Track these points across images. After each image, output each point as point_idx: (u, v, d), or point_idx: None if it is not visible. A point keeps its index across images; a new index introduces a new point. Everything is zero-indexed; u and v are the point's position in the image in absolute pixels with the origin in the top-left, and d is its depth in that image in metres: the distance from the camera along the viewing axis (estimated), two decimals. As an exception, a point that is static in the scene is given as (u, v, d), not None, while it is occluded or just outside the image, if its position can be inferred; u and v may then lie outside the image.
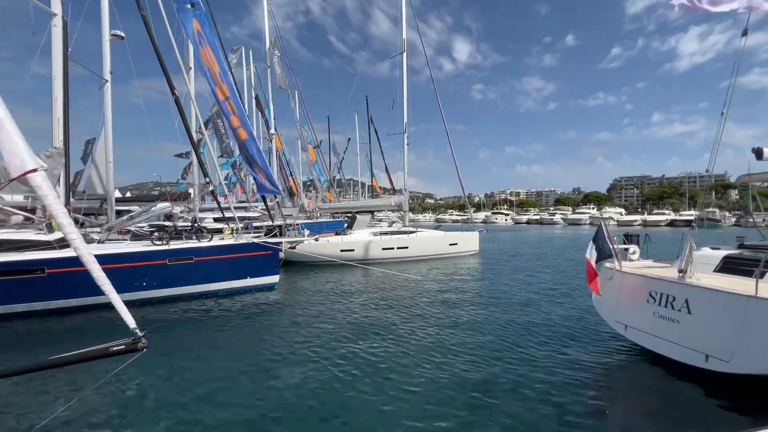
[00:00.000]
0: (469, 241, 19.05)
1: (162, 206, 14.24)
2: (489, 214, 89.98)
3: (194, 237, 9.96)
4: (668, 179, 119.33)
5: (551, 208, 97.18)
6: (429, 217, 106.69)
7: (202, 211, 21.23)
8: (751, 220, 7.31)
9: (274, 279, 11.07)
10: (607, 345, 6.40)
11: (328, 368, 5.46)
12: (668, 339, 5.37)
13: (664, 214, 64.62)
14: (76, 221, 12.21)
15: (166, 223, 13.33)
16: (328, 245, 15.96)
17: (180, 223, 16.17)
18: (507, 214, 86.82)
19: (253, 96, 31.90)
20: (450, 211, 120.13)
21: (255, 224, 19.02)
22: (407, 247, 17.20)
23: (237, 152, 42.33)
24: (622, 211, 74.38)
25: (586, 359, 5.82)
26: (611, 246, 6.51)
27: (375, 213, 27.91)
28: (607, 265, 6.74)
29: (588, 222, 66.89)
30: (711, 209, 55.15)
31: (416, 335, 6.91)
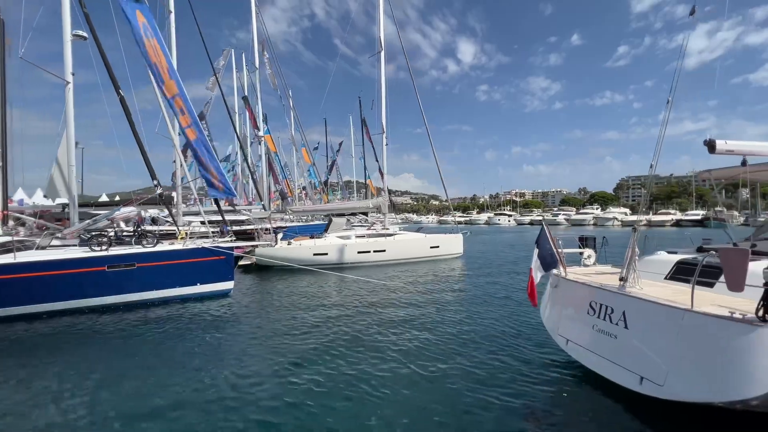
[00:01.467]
0: (451, 244, 18.40)
1: (126, 210, 13.91)
2: (492, 215, 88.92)
3: (142, 242, 9.54)
4: (676, 178, 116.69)
5: (555, 209, 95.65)
6: (433, 218, 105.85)
7: (186, 214, 20.95)
8: (716, 217, 6.61)
9: (228, 285, 10.60)
10: (550, 362, 5.75)
11: (267, 383, 4.98)
12: (605, 356, 4.74)
13: (669, 213, 62.84)
14: (32, 226, 11.87)
15: (126, 228, 12.96)
16: (301, 249, 15.48)
17: (164, 227, 15.86)
18: (510, 215, 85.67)
19: (242, 98, 31.83)
20: (454, 212, 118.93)
21: (243, 227, 18.64)
22: (384, 251, 16.63)
23: (228, 154, 41.82)
24: (627, 211, 72.71)
25: (521, 379, 5.20)
26: (555, 251, 5.89)
27: (360, 215, 27.45)
28: (554, 272, 6.12)
29: (592, 223, 65.50)
30: (718, 208, 53.47)
31: (354, 345, 6.37)
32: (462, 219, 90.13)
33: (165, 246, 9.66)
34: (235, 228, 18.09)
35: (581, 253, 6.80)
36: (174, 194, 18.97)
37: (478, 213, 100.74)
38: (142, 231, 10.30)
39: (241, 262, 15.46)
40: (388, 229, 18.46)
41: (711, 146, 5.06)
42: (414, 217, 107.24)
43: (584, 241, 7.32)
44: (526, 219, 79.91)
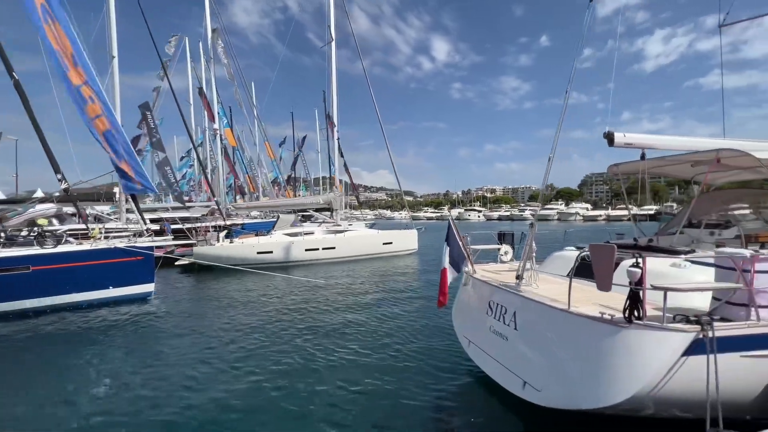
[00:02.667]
0: (405, 240, 18.16)
1: (43, 207, 12.67)
2: (462, 211, 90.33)
3: (35, 242, 8.58)
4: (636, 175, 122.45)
5: (522, 204, 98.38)
6: (405, 214, 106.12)
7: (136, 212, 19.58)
8: (667, 212, 6.60)
9: (148, 288, 9.80)
10: (453, 365, 5.49)
11: (165, 404, 4.39)
12: (498, 359, 4.51)
13: (622, 207, 65.91)
14: None
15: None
16: (243, 248, 14.73)
17: (114, 225, 14.56)
18: (480, 211, 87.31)
19: (198, 89, 30.23)
20: (425, 208, 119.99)
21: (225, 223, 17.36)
22: (334, 248, 16.15)
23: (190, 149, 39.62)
24: (588, 206, 75.72)
25: (423, 383, 4.89)
26: (462, 248, 5.63)
27: (323, 212, 26.81)
28: (466, 269, 5.87)
29: (556, 218, 67.66)
30: (669, 204, 56.58)
31: (276, 352, 5.87)
32: (433, 215, 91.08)
33: (68, 247, 8.74)
34: (188, 226, 17.08)
35: (498, 250, 6.62)
36: (116, 190, 17.63)
37: (449, 209, 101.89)
38: (42, 231, 9.29)
39: (178, 263, 14.53)
40: (339, 225, 17.97)
41: (610, 139, 4.92)
42: (387, 213, 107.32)
43: (502, 237, 7.16)
44: (495, 214, 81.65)
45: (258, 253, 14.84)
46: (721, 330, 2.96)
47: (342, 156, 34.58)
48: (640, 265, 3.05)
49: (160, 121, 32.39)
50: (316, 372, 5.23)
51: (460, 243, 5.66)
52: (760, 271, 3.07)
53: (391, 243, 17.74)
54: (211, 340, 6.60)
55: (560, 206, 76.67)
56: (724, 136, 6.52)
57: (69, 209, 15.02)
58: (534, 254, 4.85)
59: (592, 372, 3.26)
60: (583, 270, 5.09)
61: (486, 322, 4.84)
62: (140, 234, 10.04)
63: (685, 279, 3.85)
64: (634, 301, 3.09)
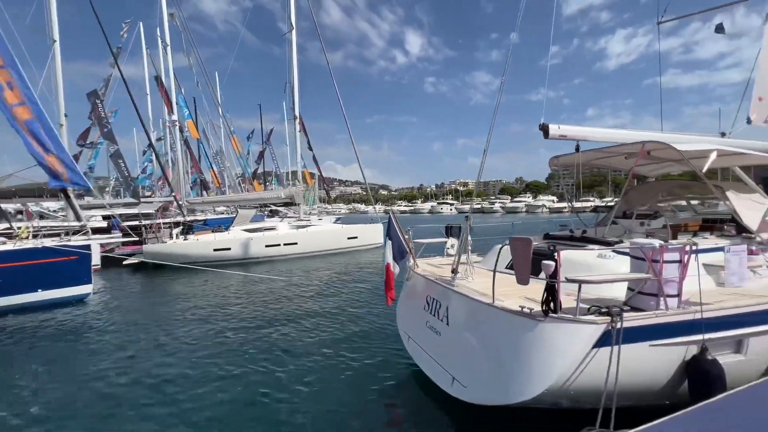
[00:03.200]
0: (370, 234, 18.00)
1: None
2: (435, 204, 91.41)
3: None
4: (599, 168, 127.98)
5: (492, 197, 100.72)
6: (379, 208, 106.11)
7: (89, 208, 18.24)
8: (569, 205, 6.74)
9: (84, 290, 9.12)
10: (395, 363, 5.39)
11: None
12: (432, 355, 4.44)
13: (588, 200, 68.94)
14: None
15: None
16: (198, 245, 14.07)
17: (52, 223, 13.36)
18: (452, 204, 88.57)
19: (154, 77, 28.51)
20: (399, 202, 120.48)
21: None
22: (296, 243, 15.76)
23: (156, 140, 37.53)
24: (555, 198, 78.41)
25: (361, 381, 4.75)
26: (404, 242, 5.51)
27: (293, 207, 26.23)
28: (410, 263, 5.76)
29: (524, 210, 69.71)
30: (609, 197, 59.38)
31: (220, 359, 5.52)
32: (407, 208, 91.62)
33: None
34: (146, 222, 16.08)
35: (446, 243, 6.56)
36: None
37: (423, 202, 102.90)
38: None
39: (127, 262, 13.68)
40: (303, 220, 17.55)
41: (544, 131, 4.91)
42: (362, 207, 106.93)
43: (449, 231, 7.12)
44: (466, 207, 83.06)
45: (215, 250, 14.23)
46: (630, 321, 2.97)
47: (311, 149, 33.90)
48: (565, 257, 3.02)
49: (115, 113, 30.42)
50: (257, 376, 4.98)
51: (402, 237, 5.54)
52: (668, 261, 3.10)
53: (356, 237, 17.53)
54: (148, 348, 6.14)
55: (528, 199, 79.03)
56: (662, 130, 6.74)
57: (12, 206, 13.81)
58: (470, 247, 4.79)
59: (511, 367, 3.22)
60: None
61: (423, 317, 4.75)
62: (76, 232, 9.29)
63: (610, 269, 3.89)
64: (551, 294, 3.05)
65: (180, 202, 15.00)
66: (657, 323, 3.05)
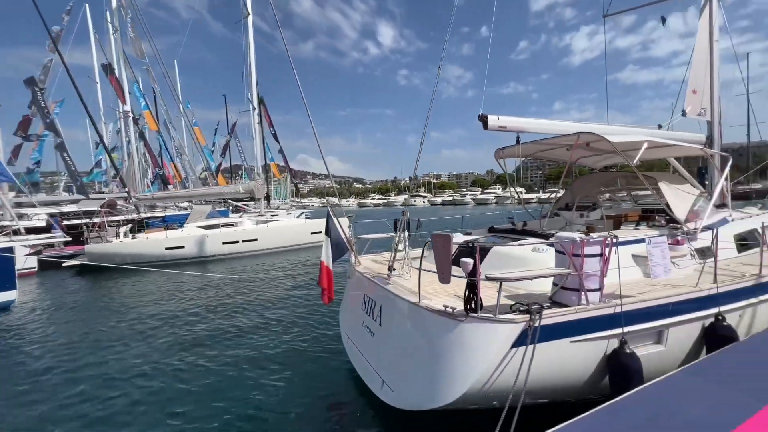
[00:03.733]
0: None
1: None
2: (408, 197, 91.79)
3: None
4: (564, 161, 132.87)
5: (464, 189, 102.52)
6: (353, 201, 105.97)
7: (28, 206, 16.73)
8: (515, 198, 6.75)
9: (7, 296, 8.31)
10: (335, 365, 5.18)
11: None
12: (365, 356, 4.27)
13: (553, 191, 71.52)
14: None
15: None
16: (148, 244, 13.25)
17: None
18: (424, 197, 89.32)
19: (102, 65, 26.50)
20: (373, 195, 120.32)
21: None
22: (256, 239, 15.20)
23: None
24: (523, 190, 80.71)
25: (296, 386, 4.51)
26: (344, 238, 5.29)
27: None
28: (352, 261, 5.55)
29: (494, 201, 71.33)
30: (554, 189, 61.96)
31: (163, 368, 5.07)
32: (380, 201, 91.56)
33: None
34: (88, 221, 14.94)
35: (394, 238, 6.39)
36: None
37: (396, 195, 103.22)
38: None
39: (66, 264, 12.67)
40: (264, 215, 16.97)
41: (484, 122, 4.80)
42: (335, 200, 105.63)
43: (396, 225, 6.97)
44: (439, 200, 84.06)
45: (167, 248, 13.46)
46: (549, 318, 2.89)
47: (277, 141, 32.85)
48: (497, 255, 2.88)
49: (60, 102, 28.10)
50: (196, 385, 4.63)
51: (342, 234, 5.32)
52: (588, 254, 3.04)
53: (320, 232, 17.09)
54: (69, 367, 5.60)
55: (498, 190, 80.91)
56: (608, 122, 6.82)
57: None
58: (407, 243, 4.63)
59: (433, 369, 3.07)
60: (460, 257, 5.02)
61: (360, 317, 4.57)
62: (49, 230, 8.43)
63: (543, 263, 3.83)
64: (472, 292, 2.92)
65: (130, 198, 14.02)
66: (576, 319, 2.99)
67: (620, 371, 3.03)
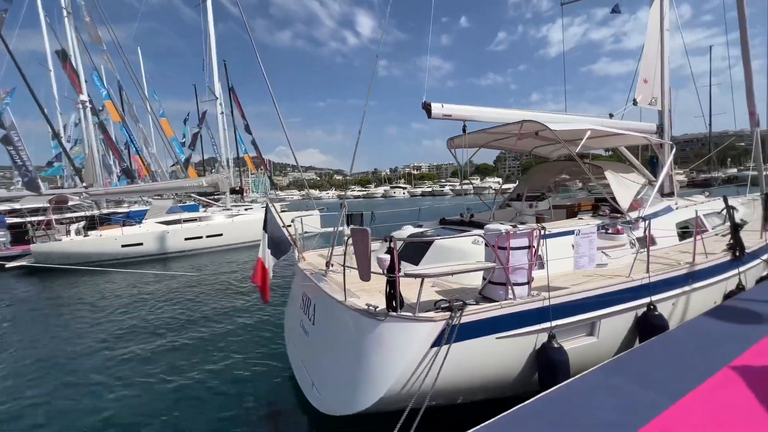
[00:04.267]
0: (305, 222, 17.22)
1: None
2: (388, 188, 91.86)
3: None
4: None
5: (443, 180, 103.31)
6: (333, 193, 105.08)
7: None
8: (470, 188, 6.63)
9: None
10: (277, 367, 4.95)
11: None
12: (300, 357, 4.07)
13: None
14: None
15: None
16: (102, 242, 12.54)
17: None
18: (404, 188, 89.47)
19: (56, 52, 24.78)
20: (352, 186, 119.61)
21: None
22: (221, 235, 14.68)
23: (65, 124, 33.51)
24: (500, 180, 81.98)
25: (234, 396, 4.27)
26: (286, 233, 5.04)
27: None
28: (296, 257, 5.32)
29: (472, 192, 72.13)
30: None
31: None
32: (360, 193, 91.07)
33: None
34: (32, 219, 13.96)
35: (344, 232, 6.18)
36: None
37: (376, 187, 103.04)
38: None
39: (10, 265, 11.85)
40: (230, 209, 16.40)
41: (427, 110, 4.61)
42: (315, 192, 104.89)
43: (350, 218, 6.78)
44: (418, 191, 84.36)
45: (123, 246, 12.78)
46: (473, 314, 2.76)
47: (249, 132, 31.82)
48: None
49: (11, 92, 26.19)
50: (136, 389, 4.31)
51: (285, 229, 5.06)
52: (515, 247, 2.92)
53: (290, 226, 16.66)
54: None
55: (476, 181, 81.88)
56: (566, 112, 6.78)
57: None
58: (346, 237, 4.42)
59: (356, 372, 2.90)
60: (405, 251, 4.86)
61: (299, 316, 4.35)
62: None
63: (482, 256, 3.72)
64: (392, 289, 2.75)
65: (80, 194, 13.19)
66: (502, 315, 2.87)
67: (547, 366, 2.95)
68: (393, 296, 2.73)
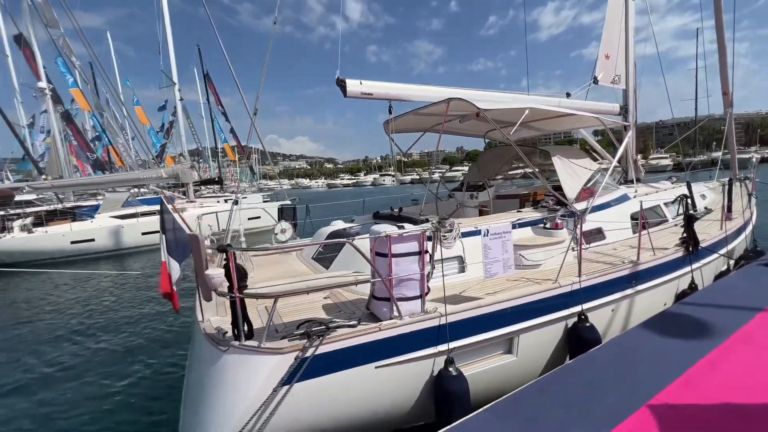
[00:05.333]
0: (276, 213, 16.55)
1: None
2: (377, 176, 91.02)
3: None
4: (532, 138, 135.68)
5: (432, 168, 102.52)
6: (323, 182, 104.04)
7: None
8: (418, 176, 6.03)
9: None
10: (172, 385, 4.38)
11: None
12: (186, 381, 3.49)
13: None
14: None
15: None
16: (48, 239, 11.75)
17: None
18: (393, 176, 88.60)
19: (14, 36, 23.28)
20: (342, 175, 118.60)
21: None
22: (183, 229, 13.90)
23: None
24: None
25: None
26: (185, 233, 4.40)
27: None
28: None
29: (461, 178, 71.64)
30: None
31: None
32: (349, 181, 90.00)
33: None
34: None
35: (274, 228, 5.58)
36: None
37: (365, 175, 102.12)
38: None
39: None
40: (195, 201, 15.61)
41: (342, 88, 3.95)
42: (305, 181, 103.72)
43: (282, 212, 6.17)
44: (408, 178, 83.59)
45: (73, 243, 12.01)
46: (338, 341, 2.19)
47: (227, 120, 30.62)
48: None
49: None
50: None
51: (187, 228, 4.42)
52: (399, 254, 2.34)
53: (258, 218, 16.00)
54: None
55: (465, 168, 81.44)
56: (529, 92, 6.15)
57: None
58: (242, 235, 3.83)
59: (198, 409, 2.32)
60: (324, 251, 4.28)
61: (195, 330, 3.77)
62: None
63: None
64: (234, 313, 2.17)
65: (22, 189, 12.29)
66: (383, 338, 2.31)
67: (443, 396, 2.41)
68: (235, 321, 2.15)
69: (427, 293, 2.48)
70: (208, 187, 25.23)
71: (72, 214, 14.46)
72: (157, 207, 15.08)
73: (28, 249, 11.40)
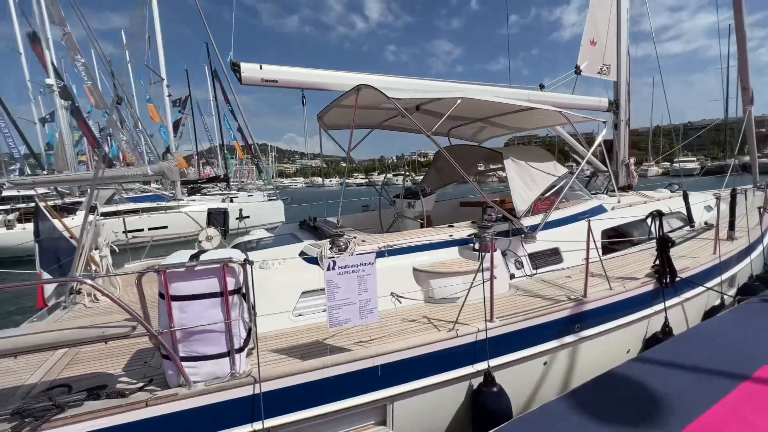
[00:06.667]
0: (267, 213, 16.12)
1: None
2: (390, 176, 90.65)
3: None
4: (551, 138, 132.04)
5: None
6: (335, 181, 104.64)
7: None
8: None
9: None
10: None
11: None
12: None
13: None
14: None
15: None
16: (24, 236, 11.60)
17: None
18: (406, 175, 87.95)
19: (28, 34, 23.81)
20: (355, 174, 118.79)
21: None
22: (166, 227, 13.66)
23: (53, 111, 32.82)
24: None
25: None
26: (71, 240, 3.86)
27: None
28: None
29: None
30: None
31: None
32: (362, 181, 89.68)
33: None
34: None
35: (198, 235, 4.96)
36: None
37: (379, 174, 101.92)
38: None
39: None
40: (182, 199, 15.33)
41: (236, 72, 3.27)
42: (318, 180, 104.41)
43: (210, 217, 5.56)
44: (419, 178, 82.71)
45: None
46: (72, 423, 1.50)
47: (235, 118, 30.55)
48: None
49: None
50: None
51: (68, 234, 3.88)
52: (181, 296, 1.64)
53: (247, 217, 15.55)
54: None
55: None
56: (509, 82, 5.33)
57: None
58: (106, 241, 3.23)
59: None
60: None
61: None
62: None
63: (269, 285, 2.46)
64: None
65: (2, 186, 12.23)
66: (153, 417, 1.61)
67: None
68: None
69: (243, 347, 1.77)
70: (216, 184, 25.22)
71: (73, 211, 14.41)
72: (145, 204, 14.77)
73: (5, 245, 11.28)
